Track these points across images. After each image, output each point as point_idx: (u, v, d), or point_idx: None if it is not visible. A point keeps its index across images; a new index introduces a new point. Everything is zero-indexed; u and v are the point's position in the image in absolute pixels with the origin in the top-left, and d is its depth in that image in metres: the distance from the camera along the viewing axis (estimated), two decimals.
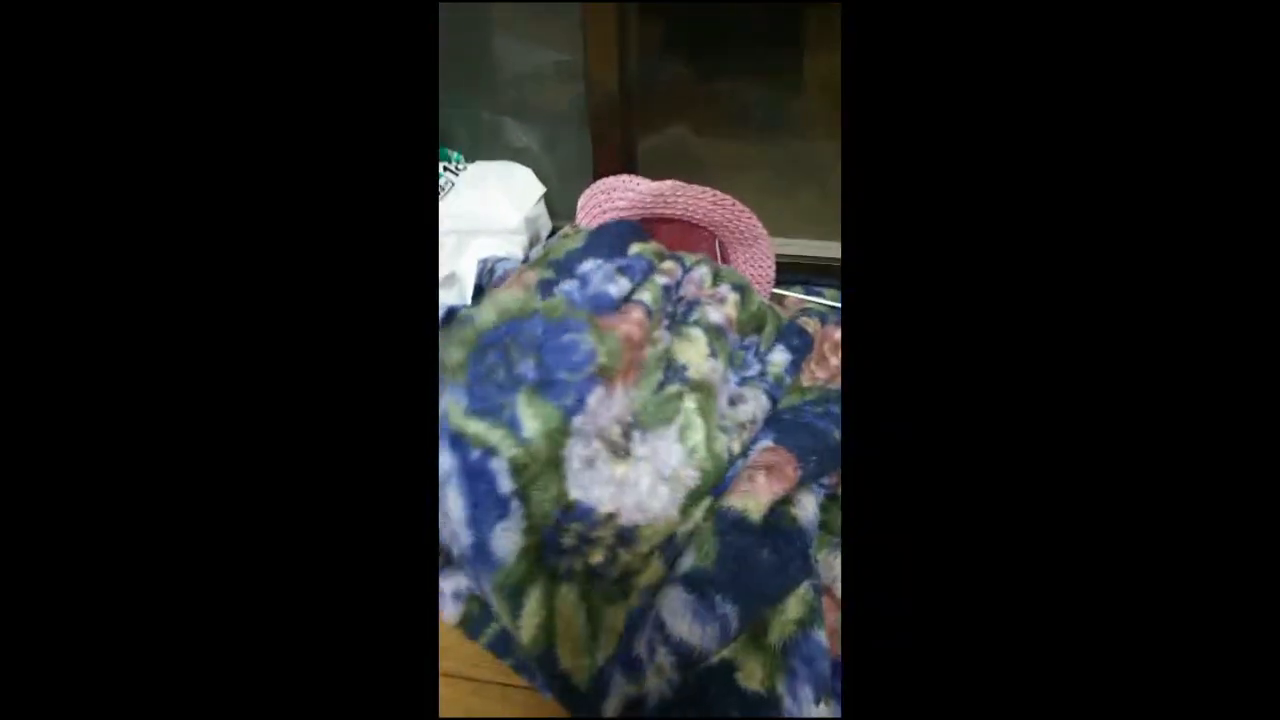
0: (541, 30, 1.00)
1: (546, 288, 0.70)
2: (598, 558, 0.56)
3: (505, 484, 0.54)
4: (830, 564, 0.58)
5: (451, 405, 0.57)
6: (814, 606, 0.54)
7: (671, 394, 0.64)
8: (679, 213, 0.85)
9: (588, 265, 0.71)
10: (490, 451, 0.54)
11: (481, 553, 0.53)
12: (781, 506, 0.59)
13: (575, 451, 0.57)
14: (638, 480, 0.58)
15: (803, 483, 0.60)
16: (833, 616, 0.54)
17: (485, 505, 0.54)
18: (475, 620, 0.60)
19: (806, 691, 0.51)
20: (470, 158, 1.04)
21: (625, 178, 0.87)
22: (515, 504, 0.54)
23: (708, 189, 0.84)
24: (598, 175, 0.94)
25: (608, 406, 0.59)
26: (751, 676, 0.51)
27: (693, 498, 0.59)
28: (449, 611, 0.61)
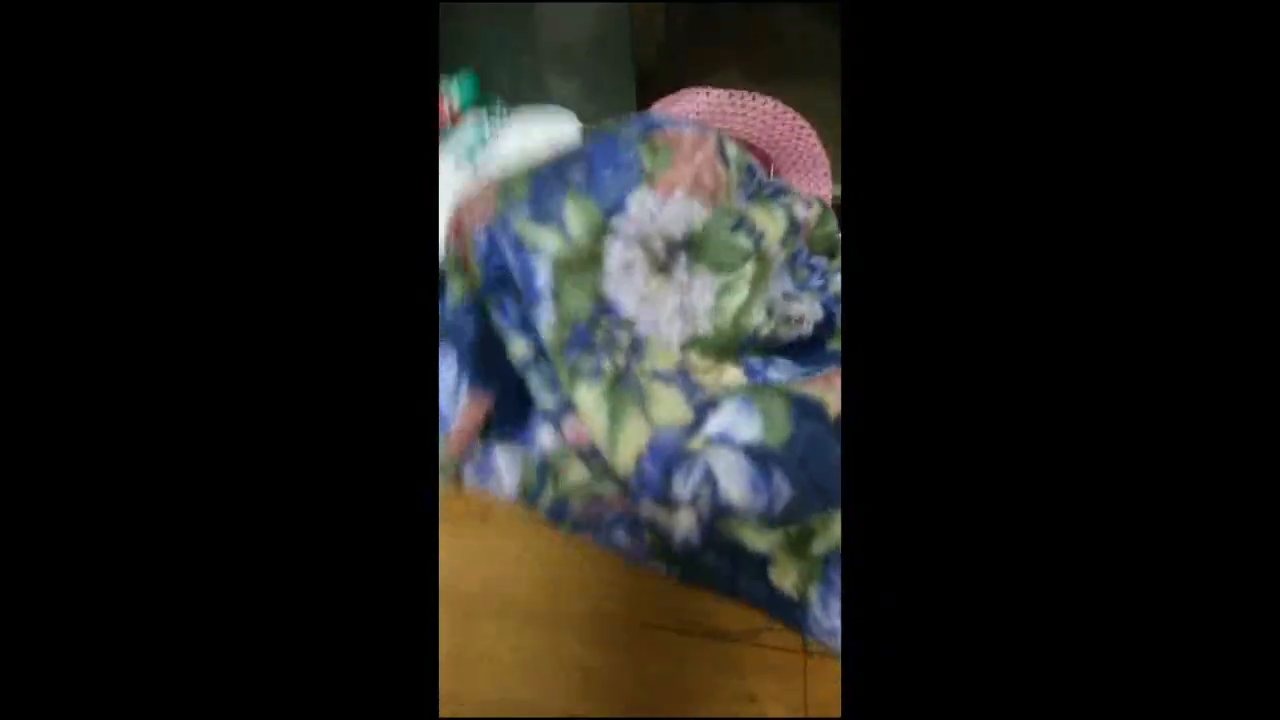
0: None
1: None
2: (620, 360, 0.57)
3: (544, 279, 0.55)
4: None
5: (516, 219, 0.57)
6: None
7: (736, 246, 0.62)
8: (737, 128, 0.78)
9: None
10: (534, 250, 0.55)
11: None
12: None
13: (615, 251, 0.58)
14: (664, 300, 0.59)
15: None
16: None
17: (527, 299, 0.55)
18: (532, 489, 0.61)
19: (836, 605, 0.51)
20: (513, 104, 1.01)
21: (690, 90, 0.78)
22: (549, 298, 0.55)
23: (769, 99, 0.78)
24: None
25: (652, 214, 0.59)
26: (785, 576, 0.52)
27: (697, 345, 0.60)
28: (509, 484, 0.61)
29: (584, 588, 0.59)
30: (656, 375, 0.58)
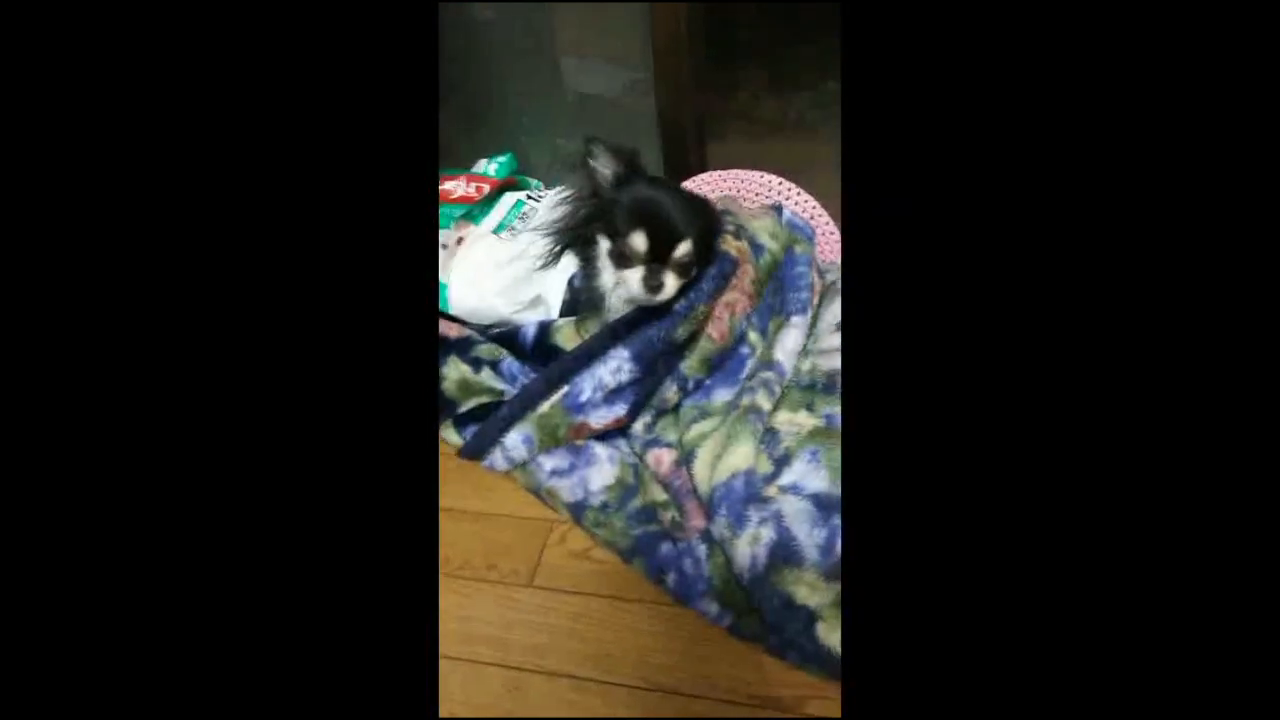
0: (612, 50, 1.02)
1: None
2: (763, 402, 0.68)
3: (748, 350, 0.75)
4: None
5: (752, 322, 0.76)
6: None
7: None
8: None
9: None
10: (746, 340, 0.75)
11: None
12: None
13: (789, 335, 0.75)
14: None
15: None
16: None
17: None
18: (628, 487, 0.67)
19: None
20: (548, 183, 1.07)
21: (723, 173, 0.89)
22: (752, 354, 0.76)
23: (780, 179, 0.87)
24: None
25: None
26: (831, 633, 0.53)
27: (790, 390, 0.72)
28: (605, 474, 0.68)
29: (634, 656, 0.58)
30: (768, 421, 0.68)
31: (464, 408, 0.75)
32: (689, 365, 0.73)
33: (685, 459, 0.67)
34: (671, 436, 0.71)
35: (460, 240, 0.92)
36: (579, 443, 0.70)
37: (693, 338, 0.73)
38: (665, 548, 0.62)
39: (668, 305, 0.70)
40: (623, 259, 0.70)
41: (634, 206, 0.70)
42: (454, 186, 0.97)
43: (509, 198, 0.97)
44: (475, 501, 0.72)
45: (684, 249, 0.69)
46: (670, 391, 0.73)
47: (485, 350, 0.78)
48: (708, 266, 0.72)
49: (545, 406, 0.69)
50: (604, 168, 0.72)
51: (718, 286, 0.72)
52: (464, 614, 0.63)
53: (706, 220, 0.73)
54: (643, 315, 0.70)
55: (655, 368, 0.71)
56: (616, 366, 0.69)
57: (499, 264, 0.87)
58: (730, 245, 0.75)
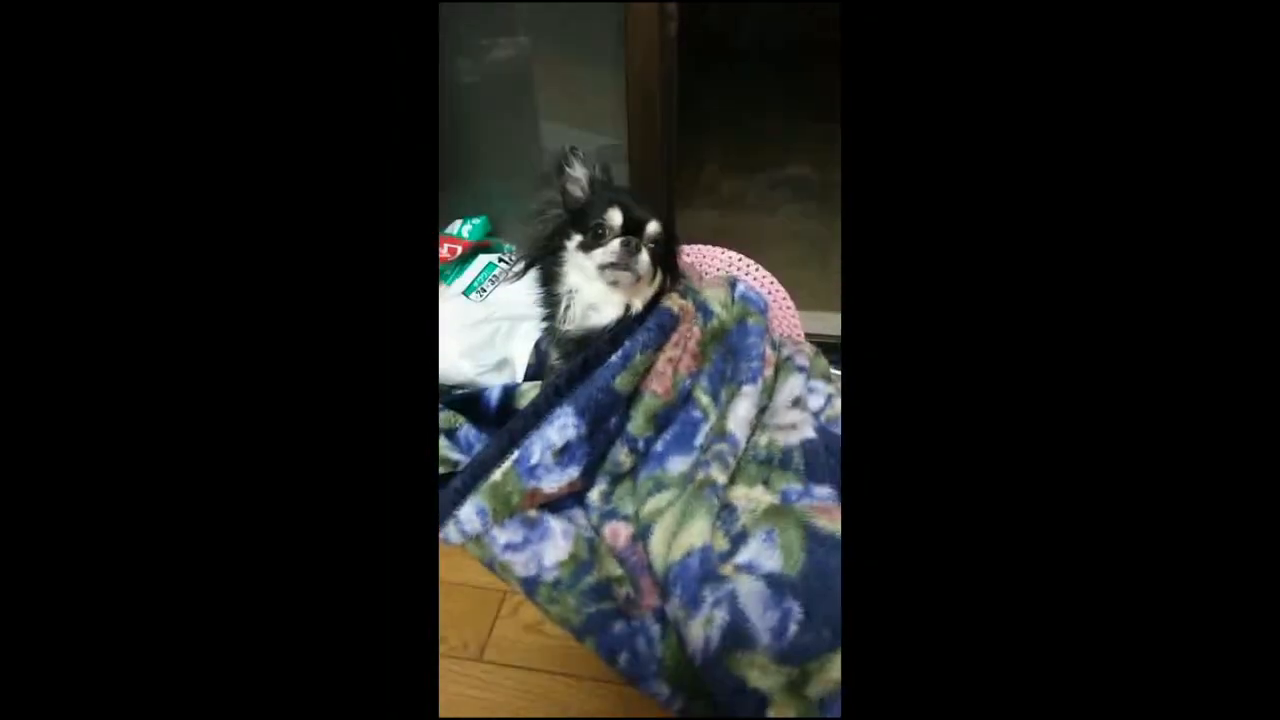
0: (585, 115, 1.05)
1: None
2: (718, 476, 0.68)
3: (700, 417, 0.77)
4: None
5: (698, 385, 0.78)
6: None
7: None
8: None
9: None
10: (701, 408, 0.78)
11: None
12: None
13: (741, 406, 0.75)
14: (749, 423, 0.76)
15: None
16: None
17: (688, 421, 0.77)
18: (582, 563, 0.66)
19: None
20: (521, 250, 1.09)
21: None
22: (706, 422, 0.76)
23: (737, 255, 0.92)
24: None
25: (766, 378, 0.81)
26: (782, 714, 0.53)
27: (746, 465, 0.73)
28: (559, 549, 0.67)
29: None
30: (724, 496, 0.68)
31: None
32: (636, 424, 0.74)
33: (641, 533, 0.67)
34: (628, 509, 0.72)
35: None
36: (533, 513, 0.69)
37: (636, 394, 0.74)
38: (618, 627, 0.61)
39: (605, 353, 0.73)
40: (597, 238, 0.75)
41: (609, 193, 0.78)
42: None
43: (481, 260, 0.99)
44: None
45: (654, 228, 0.76)
46: (623, 454, 0.74)
47: (442, 419, 0.79)
48: (652, 311, 0.77)
49: (497, 474, 0.69)
50: (579, 175, 0.79)
51: (656, 337, 0.75)
52: None
53: (669, 242, 0.80)
54: (581, 369, 0.73)
55: (602, 424, 0.72)
56: (562, 424, 0.70)
57: (467, 325, 0.89)
58: (674, 302, 0.78)
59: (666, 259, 0.79)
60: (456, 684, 0.61)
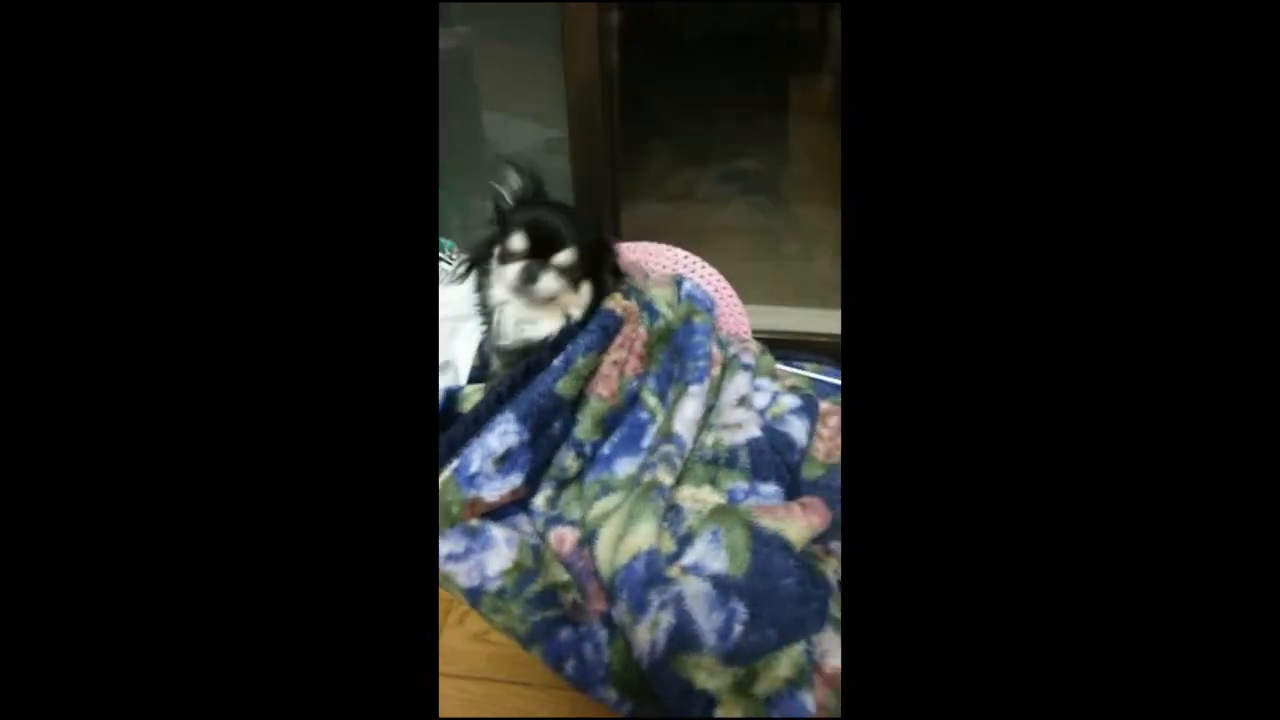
0: (529, 106, 1.03)
1: None
2: (664, 478, 0.67)
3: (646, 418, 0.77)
4: (832, 640, 0.57)
5: (644, 387, 0.78)
6: (805, 670, 0.54)
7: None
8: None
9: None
10: (647, 408, 0.77)
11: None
12: (817, 546, 0.64)
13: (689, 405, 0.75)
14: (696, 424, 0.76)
15: (835, 526, 0.66)
16: (821, 692, 0.54)
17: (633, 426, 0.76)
18: (527, 571, 0.65)
19: None
20: (464, 246, 1.06)
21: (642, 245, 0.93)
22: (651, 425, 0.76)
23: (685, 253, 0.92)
24: None
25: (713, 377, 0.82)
26: (730, 714, 0.53)
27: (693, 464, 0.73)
28: (503, 557, 0.66)
29: None
30: (671, 498, 0.68)
31: None
32: (582, 429, 0.73)
33: (588, 538, 0.67)
34: (575, 514, 0.71)
35: None
36: (474, 522, 0.68)
37: (582, 398, 0.74)
38: (565, 633, 0.61)
39: (547, 360, 0.73)
40: (503, 260, 0.75)
41: (522, 212, 0.77)
42: None
43: None
44: None
45: (566, 256, 0.74)
46: (569, 459, 0.73)
47: None
48: (594, 314, 0.76)
49: (440, 485, 0.68)
50: (512, 185, 0.79)
51: (599, 340, 0.74)
52: None
53: (597, 251, 0.78)
54: (523, 375, 0.72)
55: (545, 430, 0.71)
56: (503, 430, 0.69)
57: None
58: (616, 303, 0.77)
59: (597, 267, 0.78)
60: None
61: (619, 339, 0.76)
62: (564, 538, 0.69)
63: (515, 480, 0.69)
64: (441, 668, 0.62)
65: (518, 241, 0.74)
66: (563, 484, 0.73)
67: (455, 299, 0.91)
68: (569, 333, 0.75)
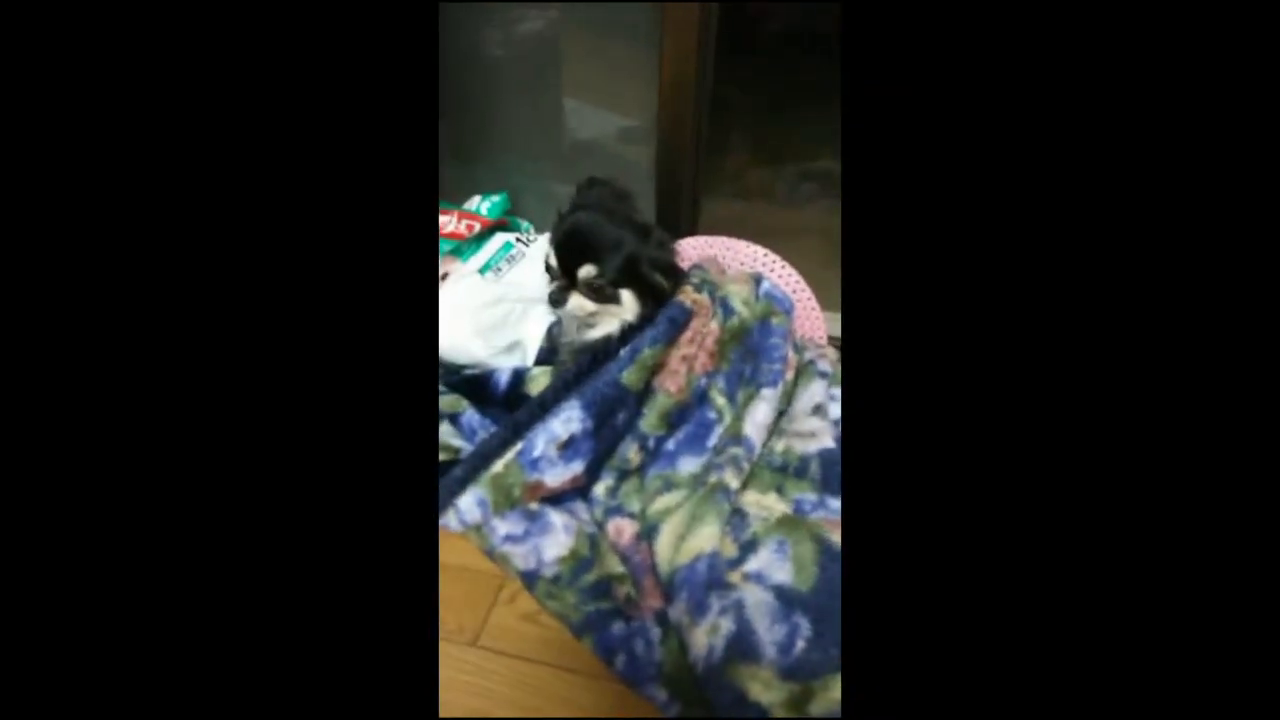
0: (610, 95, 1.03)
1: None
2: (733, 483, 0.66)
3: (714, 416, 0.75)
4: None
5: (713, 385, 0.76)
6: None
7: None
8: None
9: None
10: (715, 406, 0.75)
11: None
12: None
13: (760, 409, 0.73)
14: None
15: None
16: None
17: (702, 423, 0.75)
18: (583, 559, 0.65)
19: None
20: (540, 228, 1.07)
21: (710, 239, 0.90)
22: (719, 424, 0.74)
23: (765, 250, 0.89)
24: None
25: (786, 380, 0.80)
26: None
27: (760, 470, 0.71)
28: (560, 544, 0.66)
29: None
30: (736, 501, 0.67)
31: None
32: (648, 422, 0.72)
33: (647, 533, 0.66)
34: (634, 506, 0.70)
35: (445, 276, 0.92)
36: (534, 506, 0.68)
37: (648, 390, 0.73)
38: (617, 627, 0.60)
39: (615, 349, 0.72)
40: (547, 269, 0.76)
41: (559, 226, 0.75)
42: (445, 221, 0.97)
43: (498, 238, 0.97)
44: None
45: (587, 271, 0.72)
46: (631, 451, 0.72)
47: (446, 403, 0.77)
48: (660, 308, 0.74)
49: (499, 465, 0.68)
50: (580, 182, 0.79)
51: (665, 333, 0.72)
52: None
53: (635, 251, 0.74)
54: (590, 364, 0.71)
55: (609, 420, 0.71)
56: (567, 417, 0.69)
57: (481, 305, 0.87)
58: (687, 296, 0.75)
59: (634, 273, 0.74)
60: (449, 669, 0.61)
61: (689, 333, 0.74)
62: (622, 529, 0.68)
63: (577, 468, 0.69)
64: (489, 644, 0.62)
65: (550, 258, 0.75)
66: (624, 475, 0.73)
67: (530, 281, 0.92)
68: (632, 328, 0.74)
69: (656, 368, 0.73)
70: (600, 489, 0.72)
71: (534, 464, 0.68)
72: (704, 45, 0.90)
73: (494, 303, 0.87)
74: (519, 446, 0.68)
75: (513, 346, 0.85)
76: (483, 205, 1.01)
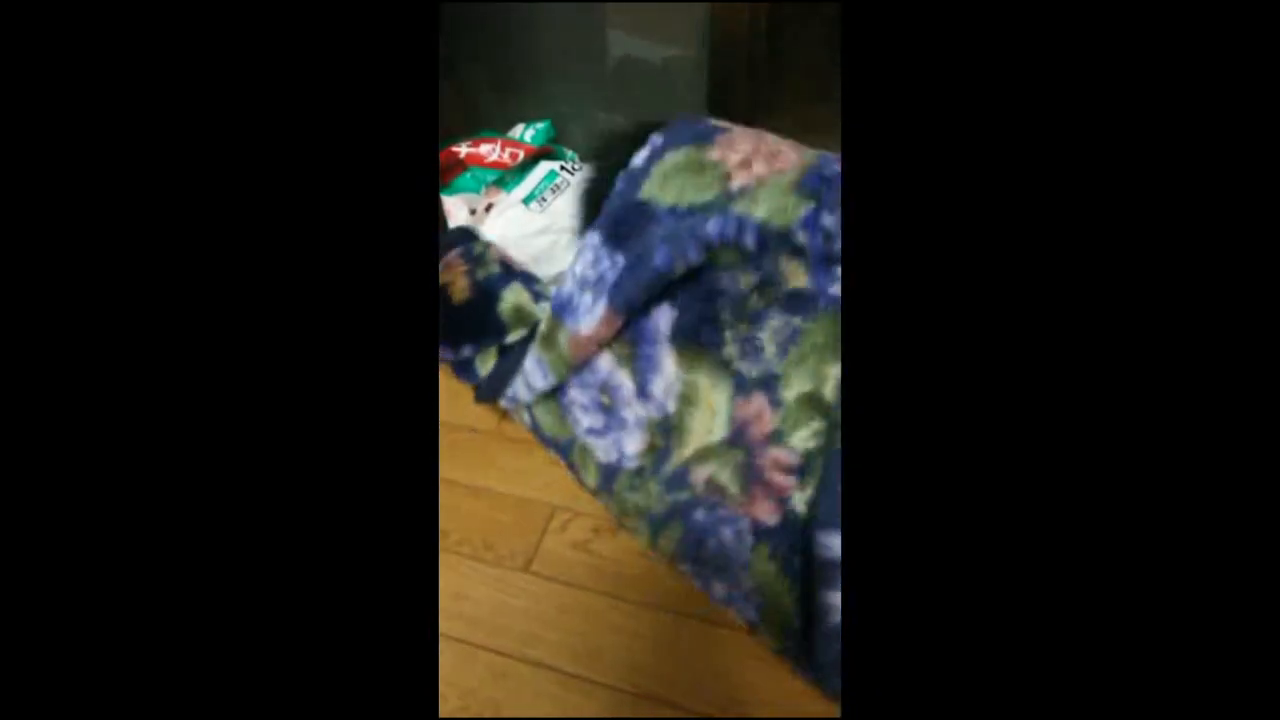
0: (657, 25, 0.99)
1: None
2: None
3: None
4: None
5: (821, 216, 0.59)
6: None
7: None
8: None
9: None
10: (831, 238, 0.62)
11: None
12: None
13: None
14: None
15: None
16: None
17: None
18: (659, 450, 0.63)
19: None
20: (585, 157, 1.04)
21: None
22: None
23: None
24: None
25: None
26: None
27: None
28: (638, 437, 0.64)
29: (623, 658, 0.57)
30: None
31: (510, 338, 0.73)
32: (742, 204, 0.58)
33: (801, 469, 0.58)
34: (774, 366, 0.60)
35: (489, 207, 0.90)
36: (605, 399, 0.66)
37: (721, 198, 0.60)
38: (700, 514, 0.58)
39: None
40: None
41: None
42: (488, 150, 0.94)
43: (543, 167, 0.94)
44: (480, 476, 0.70)
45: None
46: (740, 275, 0.60)
47: (545, 286, 0.78)
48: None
49: (544, 324, 0.67)
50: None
51: (687, 135, 0.65)
52: (457, 591, 0.62)
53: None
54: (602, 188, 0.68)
55: (635, 238, 0.61)
56: (590, 256, 0.65)
57: (525, 236, 0.85)
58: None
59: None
60: (503, 593, 0.62)
61: (721, 138, 0.66)
62: (763, 415, 0.61)
63: (601, 308, 0.63)
64: (540, 570, 0.63)
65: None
66: (738, 315, 0.62)
67: (573, 211, 0.90)
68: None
69: (699, 168, 0.60)
70: (730, 347, 0.63)
71: (565, 308, 0.65)
72: None
73: (539, 233, 0.85)
74: (552, 294, 0.68)
75: (557, 278, 0.83)
76: (526, 133, 0.98)
